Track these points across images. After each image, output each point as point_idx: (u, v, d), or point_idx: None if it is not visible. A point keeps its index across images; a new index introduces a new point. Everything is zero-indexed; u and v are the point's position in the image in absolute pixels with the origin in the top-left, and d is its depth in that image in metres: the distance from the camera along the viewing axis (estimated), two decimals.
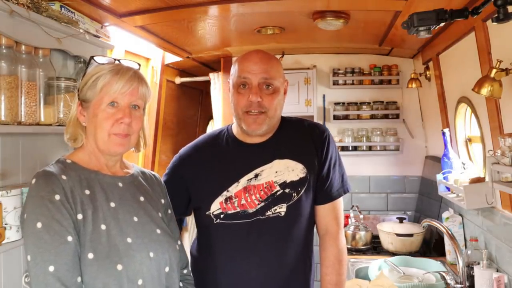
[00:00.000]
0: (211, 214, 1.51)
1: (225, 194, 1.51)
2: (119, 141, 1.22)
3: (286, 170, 1.52)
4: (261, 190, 1.50)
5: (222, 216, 1.50)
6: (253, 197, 1.49)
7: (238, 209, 1.49)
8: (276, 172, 1.51)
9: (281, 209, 1.49)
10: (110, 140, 1.21)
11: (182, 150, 1.65)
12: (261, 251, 1.49)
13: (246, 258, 1.49)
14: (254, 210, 1.49)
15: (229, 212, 1.50)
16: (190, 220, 1.78)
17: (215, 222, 1.51)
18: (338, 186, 1.58)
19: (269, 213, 1.49)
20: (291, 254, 1.52)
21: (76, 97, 1.26)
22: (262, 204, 1.49)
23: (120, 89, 1.19)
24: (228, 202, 1.50)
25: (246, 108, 1.48)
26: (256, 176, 1.51)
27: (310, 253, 1.61)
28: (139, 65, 1.32)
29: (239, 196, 1.50)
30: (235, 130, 1.60)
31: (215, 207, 1.51)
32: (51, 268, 1.05)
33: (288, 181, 1.51)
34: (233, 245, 1.51)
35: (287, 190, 1.50)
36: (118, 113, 1.20)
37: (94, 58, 1.27)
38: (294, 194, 1.51)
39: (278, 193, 1.50)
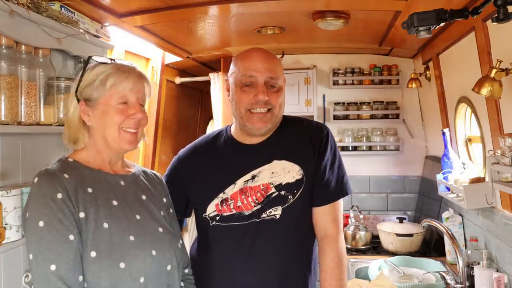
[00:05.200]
0: (207, 216, 1.50)
1: (221, 196, 1.48)
2: (129, 138, 1.24)
3: (282, 171, 1.48)
4: (258, 192, 1.47)
5: (217, 218, 1.48)
6: (250, 199, 1.47)
7: (234, 211, 1.47)
8: (272, 173, 1.48)
9: (276, 211, 1.46)
10: (121, 137, 1.23)
11: (181, 151, 1.64)
12: (256, 254, 1.45)
13: (241, 261, 1.46)
14: (250, 212, 1.46)
15: (225, 214, 1.47)
16: (190, 221, 1.78)
17: (211, 224, 1.49)
18: (336, 187, 1.52)
19: (264, 215, 1.46)
20: (287, 258, 1.48)
21: (74, 98, 1.25)
22: (258, 206, 1.46)
23: (130, 87, 1.23)
24: (224, 204, 1.48)
25: (250, 105, 1.45)
26: (253, 177, 1.48)
27: (309, 256, 1.55)
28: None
29: (235, 198, 1.47)
30: (233, 130, 1.59)
31: (211, 209, 1.49)
32: (53, 267, 1.06)
33: (283, 183, 1.47)
34: (229, 248, 1.48)
35: (282, 192, 1.47)
36: (130, 109, 1.23)
37: (93, 57, 1.28)
38: (290, 197, 1.47)
39: (274, 195, 1.47)
